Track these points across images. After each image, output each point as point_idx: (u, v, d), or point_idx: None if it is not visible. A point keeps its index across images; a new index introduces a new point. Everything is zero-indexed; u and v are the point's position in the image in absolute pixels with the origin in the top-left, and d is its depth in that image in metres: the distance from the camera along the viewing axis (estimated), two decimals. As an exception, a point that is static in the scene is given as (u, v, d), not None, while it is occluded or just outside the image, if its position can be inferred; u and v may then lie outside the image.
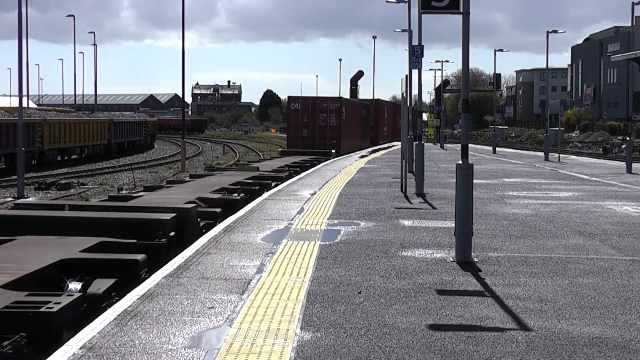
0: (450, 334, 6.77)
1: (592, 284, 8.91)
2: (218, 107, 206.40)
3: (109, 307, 7.85)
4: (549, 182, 23.55)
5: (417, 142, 22.32)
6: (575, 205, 16.85)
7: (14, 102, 55.30)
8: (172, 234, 11.95)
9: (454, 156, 40.92)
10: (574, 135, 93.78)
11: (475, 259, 10.26)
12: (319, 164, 34.59)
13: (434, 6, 10.95)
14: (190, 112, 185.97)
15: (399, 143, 25.56)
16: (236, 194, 17.90)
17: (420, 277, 9.16)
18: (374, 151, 48.49)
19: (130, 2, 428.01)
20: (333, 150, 44.91)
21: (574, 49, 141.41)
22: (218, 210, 15.00)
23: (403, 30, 43.49)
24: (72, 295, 7.79)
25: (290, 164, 33.19)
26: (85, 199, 24.48)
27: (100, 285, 8.69)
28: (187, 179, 24.29)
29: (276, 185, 22.26)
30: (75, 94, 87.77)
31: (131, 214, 12.90)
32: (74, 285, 8.52)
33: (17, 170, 27.00)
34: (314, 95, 63.88)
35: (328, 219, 14.24)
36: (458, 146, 51.93)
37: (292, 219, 14.15)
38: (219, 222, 14.02)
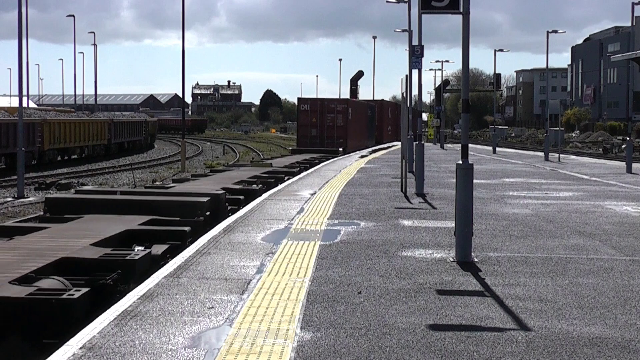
0: (450, 334, 6.77)
1: (592, 284, 8.91)
2: (218, 107, 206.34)
3: (165, 264, 10.02)
4: (549, 182, 23.55)
5: (417, 142, 22.33)
6: (575, 205, 16.85)
7: (14, 102, 55.32)
8: (207, 213, 14.36)
9: (454, 156, 40.92)
10: (574, 135, 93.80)
11: (475, 259, 10.26)
12: (327, 160, 36.65)
13: (434, 6, 10.95)
14: (190, 112, 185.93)
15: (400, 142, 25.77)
16: (255, 185, 20.63)
17: (420, 277, 9.16)
18: (374, 151, 48.53)
19: (130, 2, 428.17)
20: (340, 149, 46.51)
21: (574, 49, 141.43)
22: (241, 197, 17.55)
23: (403, 30, 43.56)
24: (143, 251, 10.28)
25: (300, 161, 35.32)
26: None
27: (158, 249, 11.09)
28: (210, 173, 26.68)
29: (289, 179, 24.40)
30: (75, 94, 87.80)
31: (173, 197, 15.55)
32: (139, 248, 10.65)
33: (17, 170, 27.00)
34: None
35: (328, 219, 14.24)
36: (458, 146, 51.94)
37: (292, 219, 14.15)
38: (242, 207, 16.36)
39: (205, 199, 14.61)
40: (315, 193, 19.29)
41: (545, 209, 16.17)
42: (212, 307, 7.61)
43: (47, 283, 8.44)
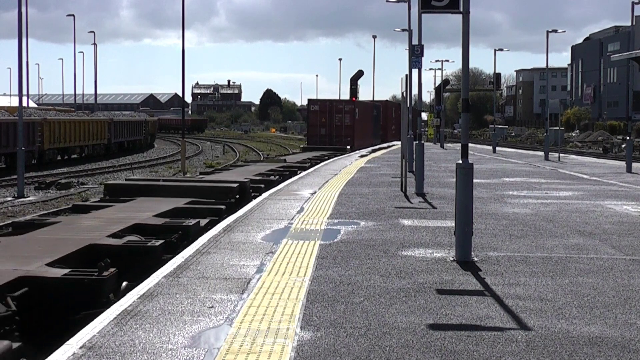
0: (450, 334, 6.77)
1: (592, 283, 8.91)
2: (218, 107, 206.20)
3: (207, 231, 12.67)
4: (549, 182, 23.55)
5: (417, 142, 22.33)
6: (575, 205, 16.85)
7: (14, 102, 55.28)
8: (237, 196, 17.67)
9: (454, 155, 40.91)
10: (574, 134, 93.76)
11: (475, 259, 10.26)
12: (335, 157, 39.77)
13: (434, 6, 10.95)
14: (190, 112, 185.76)
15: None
16: (272, 177, 24.06)
17: (420, 276, 9.16)
18: (373, 150, 48.60)
19: (129, 2, 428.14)
20: (348, 147, 49.74)
21: (574, 49, 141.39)
22: (262, 185, 20.96)
23: (403, 30, 43.52)
24: (194, 220, 13.10)
25: (311, 157, 38.74)
26: (85, 199, 24.49)
27: (202, 221, 13.60)
28: (230, 167, 30.00)
29: (301, 172, 27.46)
30: (75, 94, 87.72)
31: (208, 183, 19.12)
32: (188, 220, 13.13)
33: (17, 169, 27.02)
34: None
35: (328, 218, 14.24)
36: (458, 145, 51.93)
37: (292, 219, 14.14)
38: (263, 193, 19.44)
39: (235, 185, 18.15)
40: (315, 192, 19.29)
41: (545, 208, 16.17)
42: (212, 307, 7.61)
43: (131, 238, 11.49)
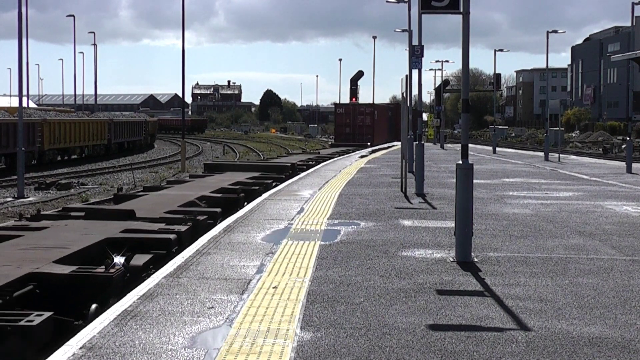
0: (450, 334, 6.77)
1: (592, 284, 8.91)
2: (218, 107, 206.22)
3: (274, 187, 21.04)
4: (549, 182, 23.55)
5: (417, 142, 22.33)
6: (575, 205, 16.85)
7: (14, 102, 55.29)
8: (290, 171, 27.30)
9: (454, 156, 40.90)
10: (574, 135, 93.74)
11: (475, 259, 10.26)
12: (356, 151, 49.12)
13: (434, 6, 10.94)
14: (190, 112, 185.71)
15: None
16: (311, 162, 34.92)
17: (420, 277, 9.16)
18: (374, 151, 48.62)
19: (128, 2, 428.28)
20: (368, 143, 60.35)
21: (574, 49, 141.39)
22: (304, 167, 31.10)
23: (403, 30, 43.54)
24: (269, 180, 22.71)
25: (339, 151, 49.89)
26: (85, 199, 24.50)
27: (272, 183, 22.25)
28: (278, 157, 43.82)
29: (332, 160, 37.01)
30: (75, 94, 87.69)
31: (270, 163, 31.63)
32: (265, 180, 22.37)
33: (17, 170, 27.00)
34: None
35: (328, 219, 14.24)
36: (458, 146, 51.93)
37: (292, 219, 14.14)
38: (306, 171, 28.34)
39: (289, 164, 29.36)
40: (315, 193, 19.29)
41: (545, 209, 16.16)
42: (212, 307, 7.61)
43: (240, 186, 19.72)
